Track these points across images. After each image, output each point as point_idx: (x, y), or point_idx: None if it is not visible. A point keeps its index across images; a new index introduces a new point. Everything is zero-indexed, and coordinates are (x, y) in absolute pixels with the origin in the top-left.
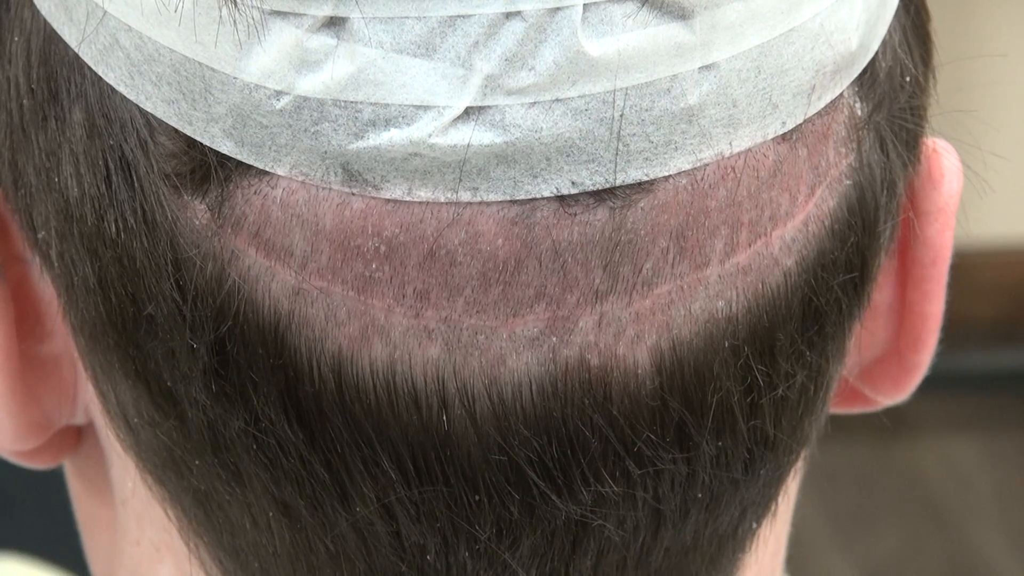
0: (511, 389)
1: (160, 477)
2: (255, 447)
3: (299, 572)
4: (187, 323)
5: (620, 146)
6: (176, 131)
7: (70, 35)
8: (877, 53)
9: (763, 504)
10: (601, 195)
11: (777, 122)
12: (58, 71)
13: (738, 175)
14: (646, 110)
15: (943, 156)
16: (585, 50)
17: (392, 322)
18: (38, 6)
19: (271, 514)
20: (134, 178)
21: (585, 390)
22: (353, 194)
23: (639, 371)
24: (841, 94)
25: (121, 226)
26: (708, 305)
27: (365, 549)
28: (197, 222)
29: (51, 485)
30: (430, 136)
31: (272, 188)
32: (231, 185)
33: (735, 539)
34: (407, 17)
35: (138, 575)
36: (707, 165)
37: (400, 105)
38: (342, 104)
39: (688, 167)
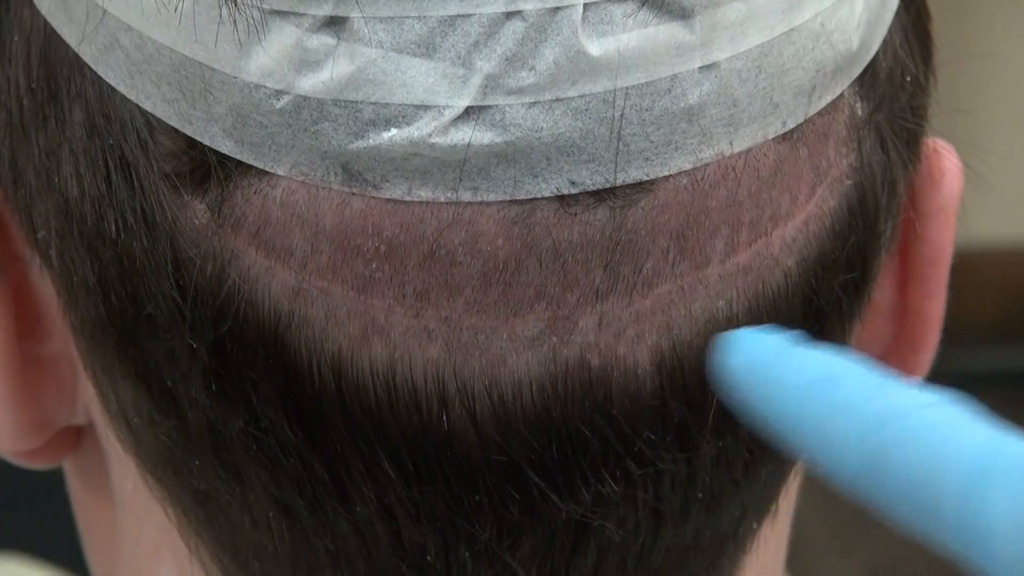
0: (511, 389)
1: (160, 477)
2: (255, 447)
3: (299, 572)
4: (187, 323)
5: (620, 146)
6: (176, 131)
7: (70, 34)
8: (878, 53)
9: (764, 504)
10: (601, 195)
11: (778, 122)
12: (58, 71)
13: (738, 175)
14: (646, 110)
15: (943, 156)
16: (585, 50)
17: (392, 322)
18: (38, 5)
19: (271, 514)
20: (134, 178)
21: (585, 390)
22: (353, 194)
23: (639, 371)
24: (842, 94)
25: (121, 226)
26: (708, 305)
27: (365, 549)
28: (197, 222)
29: (51, 485)
30: (430, 136)
31: (272, 188)
32: (231, 185)
33: (736, 539)
34: (407, 17)
35: (138, 575)
36: (707, 165)
37: (400, 105)
38: (342, 104)
39: (688, 167)
